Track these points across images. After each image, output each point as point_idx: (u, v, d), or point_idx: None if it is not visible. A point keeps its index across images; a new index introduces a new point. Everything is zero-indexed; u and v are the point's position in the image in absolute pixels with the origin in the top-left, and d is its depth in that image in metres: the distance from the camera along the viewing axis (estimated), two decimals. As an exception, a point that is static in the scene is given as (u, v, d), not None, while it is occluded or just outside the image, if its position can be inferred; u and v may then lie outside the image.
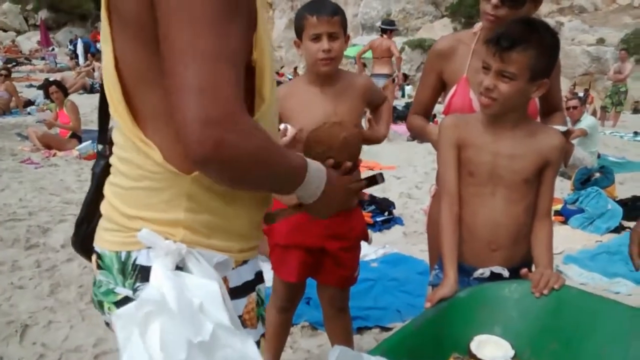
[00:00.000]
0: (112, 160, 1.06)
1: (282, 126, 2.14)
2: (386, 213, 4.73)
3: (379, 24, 10.70)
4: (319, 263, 2.22)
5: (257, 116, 0.99)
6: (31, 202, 5.13)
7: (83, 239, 1.16)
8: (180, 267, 0.94)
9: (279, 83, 2.08)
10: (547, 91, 1.69)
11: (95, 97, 12.28)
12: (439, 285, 1.62)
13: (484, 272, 1.70)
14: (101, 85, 1.09)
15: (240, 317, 1.04)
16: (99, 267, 1.04)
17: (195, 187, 0.97)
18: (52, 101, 8.58)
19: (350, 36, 2.17)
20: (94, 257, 1.07)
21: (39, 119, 8.04)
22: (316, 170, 1.07)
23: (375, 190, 5.60)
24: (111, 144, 1.08)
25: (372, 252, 4.13)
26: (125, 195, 1.01)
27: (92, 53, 17.24)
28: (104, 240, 1.04)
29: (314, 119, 2.07)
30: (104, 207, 1.06)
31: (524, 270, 1.62)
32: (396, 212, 5.02)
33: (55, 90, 7.58)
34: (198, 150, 0.83)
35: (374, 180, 1.36)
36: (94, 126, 5.86)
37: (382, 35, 8.94)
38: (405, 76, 16.48)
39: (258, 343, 1.10)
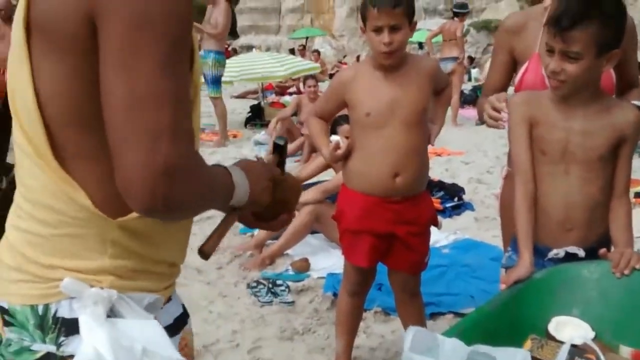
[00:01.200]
0: (20, 202, 0.94)
1: (333, 138, 2.18)
2: (456, 199, 4.68)
3: (441, 7, 10.50)
4: (389, 248, 2.24)
5: None
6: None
7: None
8: (109, 315, 0.89)
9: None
10: (622, 66, 1.63)
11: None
12: (513, 267, 1.61)
13: (558, 252, 1.67)
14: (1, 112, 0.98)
15: None
16: (6, 324, 0.93)
17: (120, 233, 0.91)
18: None
19: (416, 23, 2.16)
20: None
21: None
22: (239, 176, 0.99)
23: (443, 176, 5.55)
24: (12, 180, 1.01)
25: (443, 238, 4.10)
26: (42, 244, 0.92)
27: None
28: (13, 294, 0.93)
29: (380, 104, 2.09)
30: (9, 256, 0.95)
31: (603, 250, 1.58)
32: (466, 197, 4.95)
33: None
34: (145, 204, 0.79)
35: (276, 147, 1.20)
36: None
37: (453, 19, 8.83)
38: (471, 59, 16.08)
39: None
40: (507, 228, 2.08)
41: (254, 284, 3.37)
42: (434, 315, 3.05)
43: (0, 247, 0.98)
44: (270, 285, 3.33)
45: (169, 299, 1.02)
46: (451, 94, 2.38)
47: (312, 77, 7.19)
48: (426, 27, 20.06)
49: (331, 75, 13.15)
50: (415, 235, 2.21)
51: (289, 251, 3.84)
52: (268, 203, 1.07)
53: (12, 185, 1.00)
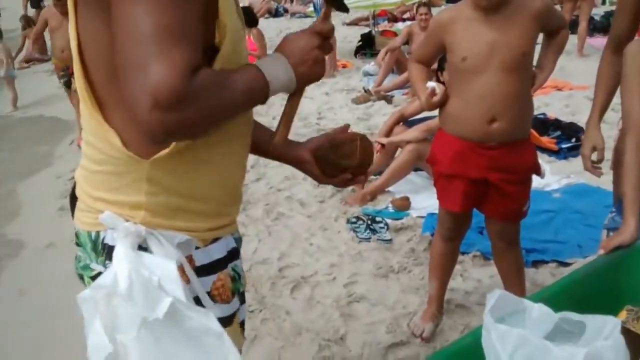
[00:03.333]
0: (82, 144, 1.08)
1: (429, 84, 2.08)
2: (573, 139, 4.37)
3: None
4: (483, 194, 2.18)
5: None
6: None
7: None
8: (144, 247, 0.97)
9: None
10: None
11: (281, 21, 12.77)
12: (616, 231, 1.51)
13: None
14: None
15: (208, 293, 1.05)
16: (77, 243, 1.08)
17: (155, 171, 0.98)
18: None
19: None
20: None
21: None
22: (276, 66, 0.99)
23: (562, 113, 5.19)
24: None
25: (555, 181, 3.90)
26: (90, 178, 1.04)
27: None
28: (78, 219, 1.07)
29: (478, 48, 1.98)
30: (77, 187, 1.09)
31: None
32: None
33: None
34: (145, 132, 0.85)
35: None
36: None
37: None
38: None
39: (233, 315, 1.12)
40: (617, 185, 1.94)
41: (354, 220, 3.44)
42: (536, 263, 2.95)
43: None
44: (370, 222, 3.37)
45: (214, 240, 1.07)
46: (566, 38, 2.17)
47: (425, 4, 6.85)
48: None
49: (448, 0, 12.47)
50: (512, 184, 2.12)
51: (390, 188, 3.84)
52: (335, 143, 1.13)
53: None
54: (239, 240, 1.20)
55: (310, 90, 6.81)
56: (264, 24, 10.68)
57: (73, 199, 1.13)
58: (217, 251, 1.08)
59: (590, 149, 2.04)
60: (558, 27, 2.14)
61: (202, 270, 1.04)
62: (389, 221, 3.41)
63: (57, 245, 3.47)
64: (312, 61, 1.02)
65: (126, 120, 0.92)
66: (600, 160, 2.05)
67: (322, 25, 1.05)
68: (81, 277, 1.09)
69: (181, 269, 0.98)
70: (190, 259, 1.02)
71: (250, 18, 8.06)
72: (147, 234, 0.97)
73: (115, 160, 0.98)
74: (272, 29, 11.04)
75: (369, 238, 3.24)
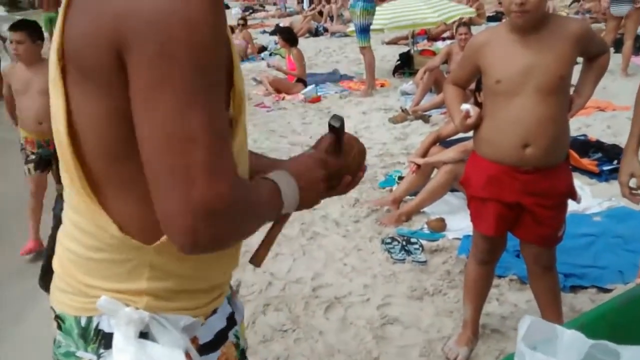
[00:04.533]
0: (65, 221, 0.96)
1: (463, 107, 2.09)
2: (615, 162, 4.26)
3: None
4: (517, 218, 2.16)
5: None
6: (263, 143, 5.71)
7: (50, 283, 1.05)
8: (145, 333, 0.90)
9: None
10: None
11: (321, 40, 12.89)
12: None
13: None
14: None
15: None
16: (58, 327, 0.97)
17: (158, 257, 0.90)
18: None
19: None
20: (53, 315, 0.99)
21: (269, 64, 8.75)
22: (286, 183, 0.96)
23: (604, 134, 5.08)
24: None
25: (596, 204, 3.81)
26: (82, 264, 0.93)
27: (317, -4, 17.96)
28: (61, 302, 0.96)
29: (512, 70, 1.98)
30: (58, 265, 0.98)
31: None
32: (628, 160, 4.50)
33: (280, 40, 8.20)
34: (188, 247, 0.78)
35: (332, 129, 1.09)
36: (318, 69, 6.10)
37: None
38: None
39: None
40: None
41: (389, 240, 3.43)
42: (574, 289, 2.89)
43: (55, 253, 1.01)
44: (404, 243, 3.36)
45: (213, 312, 1.01)
46: (606, 62, 2.14)
47: (465, 24, 6.85)
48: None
49: (490, 18, 12.39)
50: (546, 208, 2.10)
51: (426, 209, 3.83)
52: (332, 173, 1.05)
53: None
54: (230, 298, 1.10)
55: (348, 108, 6.87)
56: (304, 43, 10.82)
57: (46, 273, 1.05)
58: (218, 322, 1.02)
59: (628, 175, 2.01)
60: (599, 51, 2.11)
61: (206, 348, 0.98)
62: (424, 242, 3.39)
63: None
64: (316, 193, 1.02)
65: (130, 204, 0.87)
66: (639, 187, 2.01)
67: (328, 157, 1.04)
68: None
69: (188, 355, 0.92)
70: (194, 340, 0.96)
71: (290, 37, 8.22)
72: (151, 319, 0.89)
73: (113, 247, 0.89)
74: (312, 48, 11.18)
75: (404, 259, 3.23)
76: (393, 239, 3.44)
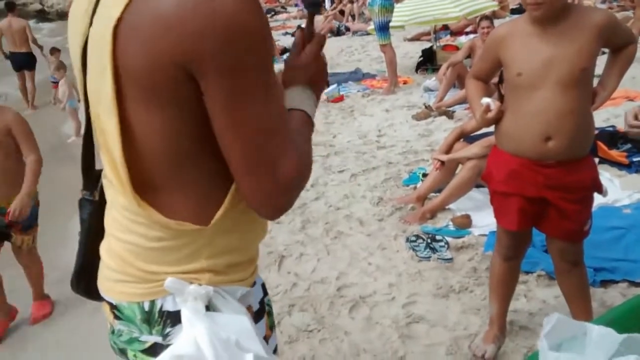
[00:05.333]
0: (118, 217, 1.02)
1: (483, 101, 2.05)
2: (647, 152, 4.17)
3: None
4: (542, 213, 2.11)
5: None
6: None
7: (87, 285, 1.15)
8: (207, 306, 0.97)
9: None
10: None
11: (342, 40, 12.87)
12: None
13: None
14: (86, 133, 1.09)
15: (264, 337, 1.07)
16: (116, 317, 1.04)
17: (215, 235, 0.99)
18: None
19: None
20: (107, 307, 1.06)
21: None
22: (309, 103, 1.09)
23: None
24: (101, 193, 1.10)
25: (626, 196, 3.72)
26: (142, 253, 0.99)
27: (338, -4, 17.90)
28: (119, 292, 1.02)
29: (533, 63, 1.94)
30: (113, 260, 1.04)
31: None
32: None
33: None
34: (275, 214, 0.95)
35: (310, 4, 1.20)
36: (340, 69, 6.11)
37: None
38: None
39: (275, 351, 1.16)
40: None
41: (413, 238, 3.40)
42: (605, 283, 2.83)
43: (101, 249, 1.08)
44: (429, 240, 3.33)
45: (254, 284, 1.09)
46: (633, 53, 2.07)
47: (488, 17, 6.73)
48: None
49: (513, 11, 12.20)
50: (571, 202, 2.05)
51: (451, 206, 3.78)
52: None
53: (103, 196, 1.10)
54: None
55: (371, 107, 6.84)
56: (327, 42, 10.79)
57: (80, 277, 1.14)
58: (258, 291, 1.11)
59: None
60: (625, 42, 2.05)
61: (257, 316, 1.08)
62: (449, 239, 3.35)
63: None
64: (322, 84, 1.15)
65: (187, 201, 0.97)
66: None
67: (317, 38, 1.16)
68: (122, 352, 1.06)
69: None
70: (249, 309, 1.05)
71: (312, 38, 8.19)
72: (215, 293, 0.98)
73: (172, 235, 0.97)
74: (334, 48, 11.16)
75: (429, 257, 3.20)
76: (418, 236, 3.41)
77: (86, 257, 1.15)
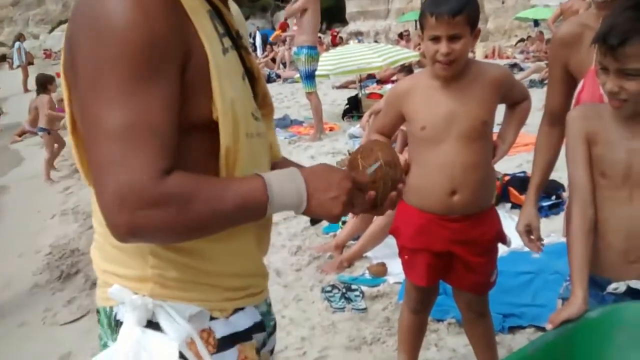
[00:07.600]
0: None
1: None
2: (553, 197, 4.33)
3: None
4: (449, 267, 2.12)
5: (224, 174, 0.95)
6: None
7: None
8: (156, 323, 0.93)
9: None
10: None
11: (273, 87, 13.01)
12: (564, 304, 1.45)
13: (618, 286, 1.49)
14: None
15: None
16: (98, 321, 1.06)
17: (157, 246, 0.95)
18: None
19: (480, 30, 1.98)
20: None
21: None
22: (283, 180, 0.95)
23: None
24: None
25: (535, 241, 3.82)
26: (100, 249, 1.02)
27: (270, 44, 18.21)
28: (98, 296, 1.05)
29: (436, 117, 1.96)
30: (93, 255, 1.07)
31: None
32: (566, 195, 4.58)
33: None
34: (116, 234, 0.85)
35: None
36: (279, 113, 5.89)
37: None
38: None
39: None
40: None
41: (329, 288, 3.35)
42: (513, 329, 2.86)
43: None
44: (345, 290, 3.29)
45: (236, 311, 1.03)
46: (528, 108, 2.14)
47: (407, 67, 6.99)
48: (543, 2, 18.82)
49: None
50: (476, 255, 2.07)
51: (368, 253, 3.77)
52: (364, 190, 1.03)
53: None
54: (266, 314, 1.16)
55: (297, 154, 6.84)
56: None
57: None
58: (242, 321, 1.04)
59: (524, 226, 2.00)
60: (520, 98, 2.12)
61: (222, 343, 1.00)
62: (364, 289, 3.33)
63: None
64: (334, 197, 0.97)
65: None
66: (537, 238, 2.00)
67: (359, 177, 1.03)
68: None
69: (194, 343, 0.94)
70: (209, 332, 0.98)
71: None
72: (156, 306, 0.94)
73: None
74: (263, 95, 11.21)
75: (344, 308, 3.16)
76: (334, 286, 3.37)
77: None
